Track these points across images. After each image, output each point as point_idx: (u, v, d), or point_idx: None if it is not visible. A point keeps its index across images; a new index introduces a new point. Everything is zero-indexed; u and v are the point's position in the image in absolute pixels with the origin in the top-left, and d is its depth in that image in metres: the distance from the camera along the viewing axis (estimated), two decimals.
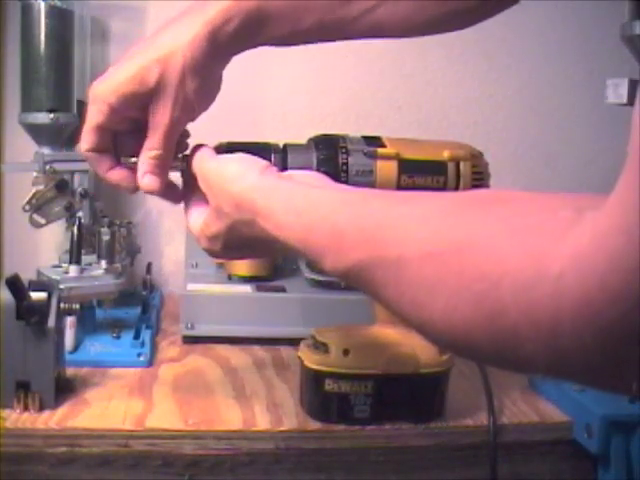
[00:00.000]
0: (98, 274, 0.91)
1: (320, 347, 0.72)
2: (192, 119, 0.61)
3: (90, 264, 0.92)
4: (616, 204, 0.31)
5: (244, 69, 1.18)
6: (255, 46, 0.62)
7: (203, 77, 0.58)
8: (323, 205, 0.47)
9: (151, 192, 0.61)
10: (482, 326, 0.35)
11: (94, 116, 0.60)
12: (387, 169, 0.63)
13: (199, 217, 0.59)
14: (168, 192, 0.62)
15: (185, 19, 0.60)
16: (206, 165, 0.58)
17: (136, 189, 0.62)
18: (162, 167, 0.61)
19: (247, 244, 0.55)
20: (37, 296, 0.71)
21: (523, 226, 0.35)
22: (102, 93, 0.59)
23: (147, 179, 0.60)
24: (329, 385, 0.71)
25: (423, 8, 0.62)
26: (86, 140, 0.61)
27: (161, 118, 0.59)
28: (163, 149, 0.60)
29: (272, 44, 0.63)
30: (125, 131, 0.62)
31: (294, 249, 0.49)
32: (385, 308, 0.43)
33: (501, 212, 0.37)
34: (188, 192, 0.61)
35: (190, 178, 0.61)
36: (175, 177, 0.64)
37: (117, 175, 0.62)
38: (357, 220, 0.44)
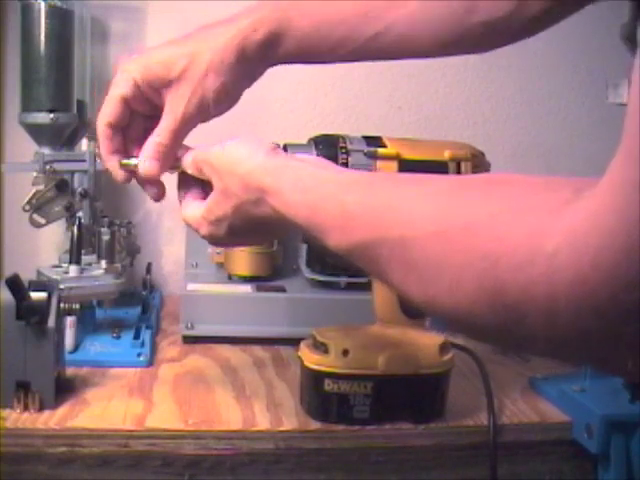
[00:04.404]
0: (98, 274, 0.91)
1: (320, 347, 0.72)
2: (204, 120, 0.62)
3: (90, 264, 0.92)
4: (608, 184, 0.31)
5: None
6: (283, 60, 0.62)
7: (225, 81, 0.60)
8: (330, 184, 0.48)
9: (149, 176, 0.62)
10: (485, 303, 0.36)
11: (119, 86, 0.62)
12: (387, 169, 0.63)
13: (197, 208, 0.59)
14: (158, 185, 0.63)
15: (223, 25, 0.62)
16: (211, 150, 0.59)
17: (129, 179, 0.63)
18: (165, 156, 0.61)
19: (252, 226, 0.56)
20: (37, 296, 0.71)
21: (523, 205, 0.36)
22: (130, 67, 0.61)
23: (148, 163, 0.61)
24: (329, 385, 0.71)
25: (455, 20, 0.60)
26: (105, 111, 0.62)
27: (176, 107, 0.60)
28: (170, 140, 0.61)
29: (300, 60, 0.63)
30: (142, 115, 0.63)
31: (299, 227, 0.50)
32: (388, 287, 0.44)
33: (503, 192, 0.38)
34: (183, 188, 0.62)
35: (186, 175, 0.62)
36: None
37: (116, 160, 0.63)
38: (364, 200, 0.45)
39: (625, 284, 0.30)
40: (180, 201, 0.62)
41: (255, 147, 0.55)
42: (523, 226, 0.34)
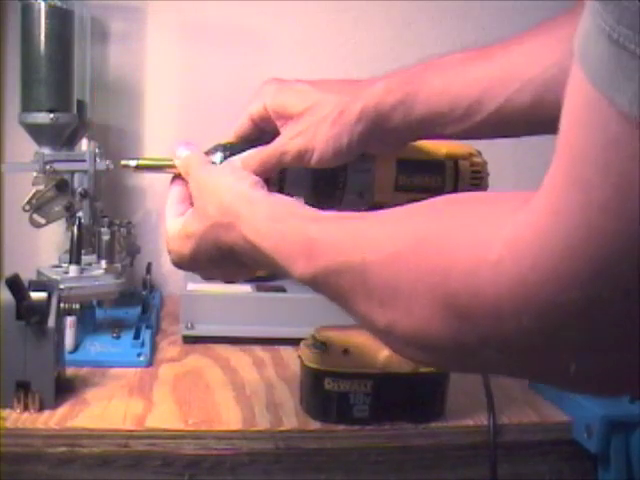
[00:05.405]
0: (98, 274, 0.91)
1: (320, 346, 0.72)
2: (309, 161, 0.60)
3: (90, 264, 0.92)
4: (547, 186, 0.32)
5: (243, 70, 1.18)
6: (413, 128, 0.59)
7: (338, 133, 0.58)
8: (298, 217, 0.50)
9: None
10: (439, 317, 0.36)
11: (251, 104, 0.62)
12: (385, 169, 0.63)
13: (177, 219, 0.60)
14: None
15: (359, 84, 0.60)
16: (202, 172, 0.59)
17: None
18: None
19: (216, 254, 0.56)
20: (37, 296, 0.71)
21: (473, 219, 0.36)
22: (265, 89, 0.62)
23: None
24: (328, 384, 0.71)
25: None
26: (237, 123, 0.63)
27: (281, 139, 0.59)
28: (256, 165, 0.60)
29: (428, 129, 0.59)
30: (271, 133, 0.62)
31: (265, 257, 0.50)
32: (354, 317, 0.44)
33: (455, 210, 0.39)
34: (175, 188, 0.62)
35: (179, 178, 0.62)
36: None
37: None
38: (327, 229, 0.46)
39: (563, 286, 0.30)
40: (167, 205, 0.62)
41: (241, 177, 0.57)
42: (472, 238, 0.35)
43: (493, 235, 0.34)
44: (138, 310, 1.02)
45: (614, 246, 0.29)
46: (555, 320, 0.31)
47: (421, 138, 0.62)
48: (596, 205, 0.29)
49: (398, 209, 0.43)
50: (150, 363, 0.86)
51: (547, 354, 0.33)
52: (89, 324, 0.92)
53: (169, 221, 0.61)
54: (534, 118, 0.54)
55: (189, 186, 0.60)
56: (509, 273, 0.32)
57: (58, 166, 0.95)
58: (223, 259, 0.57)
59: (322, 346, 0.72)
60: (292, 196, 0.58)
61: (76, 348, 0.85)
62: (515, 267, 0.32)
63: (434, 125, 0.57)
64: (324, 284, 0.45)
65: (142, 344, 0.89)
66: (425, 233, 0.39)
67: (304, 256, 0.46)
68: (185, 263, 0.60)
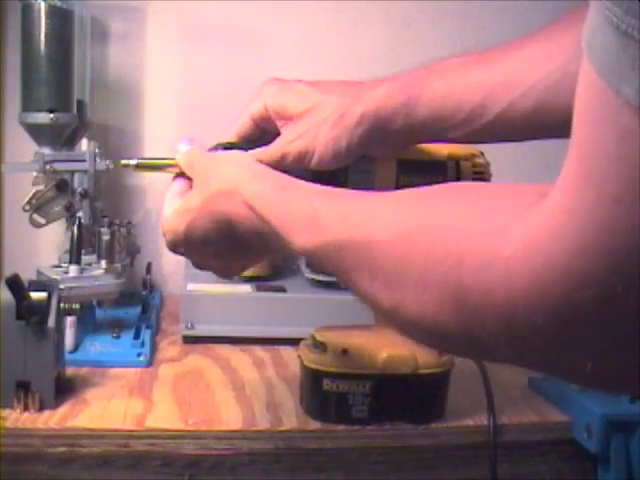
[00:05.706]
0: (98, 274, 0.91)
1: (319, 346, 0.72)
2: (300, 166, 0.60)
3: (90, 264, 0.92)
4: (559, 185, 0.32)
5: (243, 70, 1.18)
6: (416, 128, 0.58)
7: (338, 135, 0.58)
8: (304, 188, 0.50)
9: None
10: (448, 306, 0.36)
11: (252, 103, 0.62)
12: (386, 169, 0.63)
13: (175, 201, 0.59)
14: None
15: (360, 86, 0.59)
16: (207, 155, 0.60)
17: None
18: None
19: (214, 229, 0.55)
20: (37, 296, 0.71)
21: (488, 208, 0.36)
22: (266, 89, 0.62)
23: None
24: (327, 385, 0.71)
25: None
26: (237, 123, 0.63)
27: (281, 140, 0.59)
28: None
29: (431, 130, 0.58)
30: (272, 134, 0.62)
31: (264, 226, 0.50)
32: (356, 294, 0.43)
33: (469, 197, 0.39)
34: (174, 189, 0.62)
35: (180, 177, 0.62)
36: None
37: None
38: (333, 203, 0.46)
39: (577, 284, 0.30)
40: (167, 196, 0.62)
41: (245, 154, 0.58)
42: (486, 228, 0.35)
43: (508, 227, 0.33)
44: (138, 310, 1.02)
45: (627, 241, 0.28)
46: (568, 319, 0.31)
47: (422, 141, 0.61)
48: (609, 199, 0.28)
49: (410, 191, 0.42)
50: (150, 363, 0.86)
51: (561, 352, 0.33)
52: (89, 324, 0.92)
53: (166, 205, 0.60)
54: (536, 123, 0.54)
55: (193, 172, 0.59)
56: (522, 270, 0.32)
57: (58, 166, 0.95)
58: (219, 236, 0.56)
59: (321, 346, 0.72)
60: None
61: (76, 348, 0.85)
62: (528, 265, 0.32)
63: (436, 128, 0.57)
64: (326, 258, 0.45)
65: (142, 344, 0.89)
66: (438, 216, 0.38)
67: (308, 227, 0.46)
68: (180, 242, 0.58)
